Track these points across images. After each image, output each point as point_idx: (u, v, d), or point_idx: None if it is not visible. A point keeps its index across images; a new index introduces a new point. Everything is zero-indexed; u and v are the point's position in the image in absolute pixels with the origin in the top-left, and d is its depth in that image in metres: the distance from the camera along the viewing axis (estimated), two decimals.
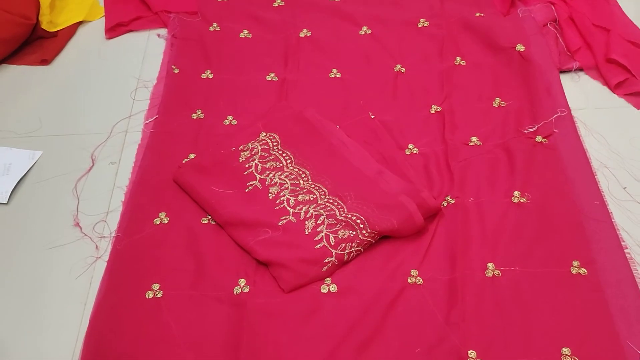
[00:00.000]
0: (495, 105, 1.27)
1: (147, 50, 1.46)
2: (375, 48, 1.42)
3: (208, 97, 1.32)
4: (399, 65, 1.37)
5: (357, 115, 1.26)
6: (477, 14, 1.47)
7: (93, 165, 1.20)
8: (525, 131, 1.20)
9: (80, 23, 1.55)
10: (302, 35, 1.45)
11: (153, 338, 0.91)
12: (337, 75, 1.36)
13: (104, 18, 1.53)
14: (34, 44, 1.48)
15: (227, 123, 1.26)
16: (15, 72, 1.42)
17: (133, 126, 1.27)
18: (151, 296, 0.96)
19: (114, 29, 1.51)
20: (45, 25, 1.48)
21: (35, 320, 0.97)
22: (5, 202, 1.14)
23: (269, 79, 1.35)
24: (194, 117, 1.27)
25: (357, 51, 1.41)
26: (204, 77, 1.36)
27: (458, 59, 1.38)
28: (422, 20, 1.48)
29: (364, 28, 1.46)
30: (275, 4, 1.54)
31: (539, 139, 1.19)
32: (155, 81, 1.36)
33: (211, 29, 1.48)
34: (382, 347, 0.91)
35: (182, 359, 0.88)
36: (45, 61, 1.44)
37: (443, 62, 1.37)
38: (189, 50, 1.43)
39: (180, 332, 0.92)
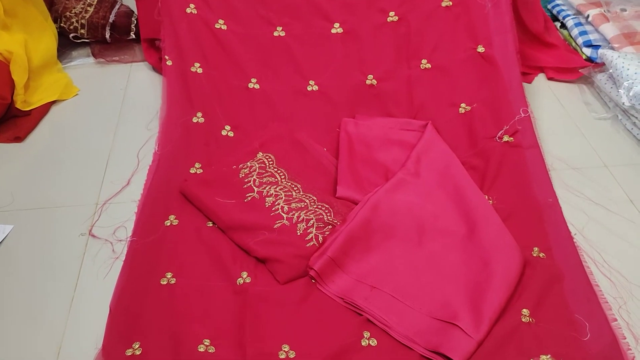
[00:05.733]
0: (462, 111, 1.44)
1: (119, 122, 1.55)
2: (347, 53, 1.53)
3: (204, 100, 1.46)
4: (370, 77, 1.51)
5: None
6: (444, 3, 1.54)
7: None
8: (497, 138, 1.36)
9: (54, 101, 1.60)
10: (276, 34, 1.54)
11: (167, 316, 1.03)
12: (315, 88, 1.51)
13: (76, 96, 1.63)
14: (8, 122, 1.51)
15: (225, 134, 1.43)
16: None
17: (105, 197, 1.31)
18: (165, 283, 1.09)
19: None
20: (19, 105, 1.50)
21: None
22: None
23: (251, 86, 1.51)
24: (195, 121, 1.43)
25: (330, 60, 1.53)
26: (194, 70, 1.50)
27: (424, 61, 1.52)
28: (391, 13, 1.55)
29: (336, 25, 1.55)
30: None
31: (506, 138, 1.36)
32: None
33: (188, 10, 1.54)
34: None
35: (193, 334, 1.00)
36: (19, 138, 1.47)
37: (411, 69, 1.52)
38: (175, 42, 1.52)
39: (191, 311, 1.04)
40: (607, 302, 1.07)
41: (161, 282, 1.09)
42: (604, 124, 1.53)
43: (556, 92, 1.65)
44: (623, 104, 1.46)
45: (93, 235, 1.22)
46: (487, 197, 1.25)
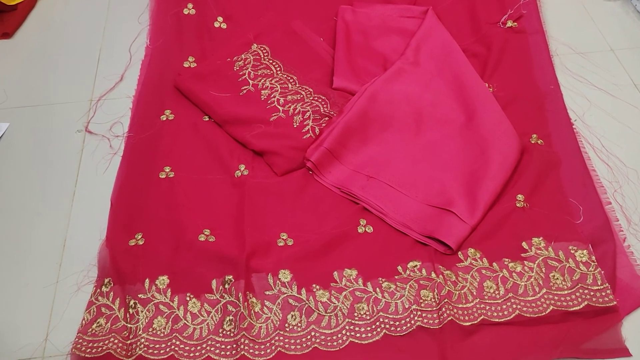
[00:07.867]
0: None
1: (109, 15, 1.50)
2: None
3: None
4: None
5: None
6: None
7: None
8: (500, 24, 1.32)
9: None
10: None
11: (167, 208, 1.06)
12: None
13: None
14: None
15: (218, 26, 1.38)
16: None
17: (98, 94, 1.30)
18: (164, 176, 1.10)
19: None
20: None
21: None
22: None
23: None
24: (186, 12, 1.38)
25: None
26: None
27: None
28: None
29: None
30: None
31: (509, 24, 1.32)
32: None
33: None
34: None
35: (193, 224, 1.03)
36: (7, 34, 1.44)
37: None
38: None
39: (191, 203, 1.06)
40: (603, 186, 1.08)
41: (160, 176, 1.10)
42: (614, 5, 1.47)
43: None
44: None
45: (90, 132, 1.22)
46: (487, 85, 1.22)
